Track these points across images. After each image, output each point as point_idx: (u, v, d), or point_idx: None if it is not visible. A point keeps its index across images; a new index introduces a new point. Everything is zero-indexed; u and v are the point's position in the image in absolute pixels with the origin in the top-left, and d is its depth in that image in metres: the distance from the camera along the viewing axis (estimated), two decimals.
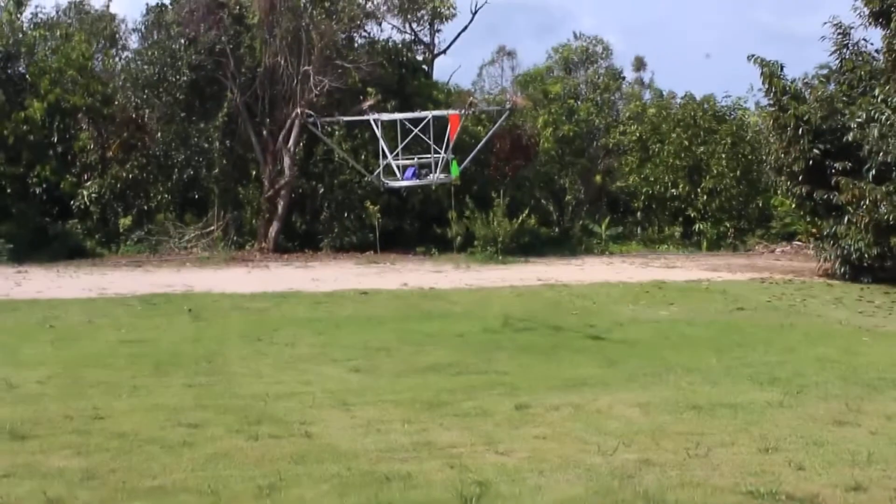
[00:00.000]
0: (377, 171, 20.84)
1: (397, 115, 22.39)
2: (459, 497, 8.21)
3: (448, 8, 44.09)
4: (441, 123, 21.52)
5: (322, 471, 8.98)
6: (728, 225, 44.12)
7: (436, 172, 19.55)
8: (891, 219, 27.24)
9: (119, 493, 8.35)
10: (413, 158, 20.06)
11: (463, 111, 20.06)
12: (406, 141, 20.10)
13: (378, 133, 20.03)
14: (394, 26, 44.22)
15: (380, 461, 9.36)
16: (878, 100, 28.48)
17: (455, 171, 20.03)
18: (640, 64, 57.15)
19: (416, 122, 21.05)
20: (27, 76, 39.17)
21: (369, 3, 40.84)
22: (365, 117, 21.51)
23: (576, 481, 8.84)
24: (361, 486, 8.56)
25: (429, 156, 19.80)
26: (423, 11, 44.09)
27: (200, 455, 9.49)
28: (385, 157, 19.80)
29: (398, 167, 19.73)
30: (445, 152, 19.24)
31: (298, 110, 18.01)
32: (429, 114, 20.44)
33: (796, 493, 8.48)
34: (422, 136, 20.16)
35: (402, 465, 9.21)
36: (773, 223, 45.44)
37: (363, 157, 38.25)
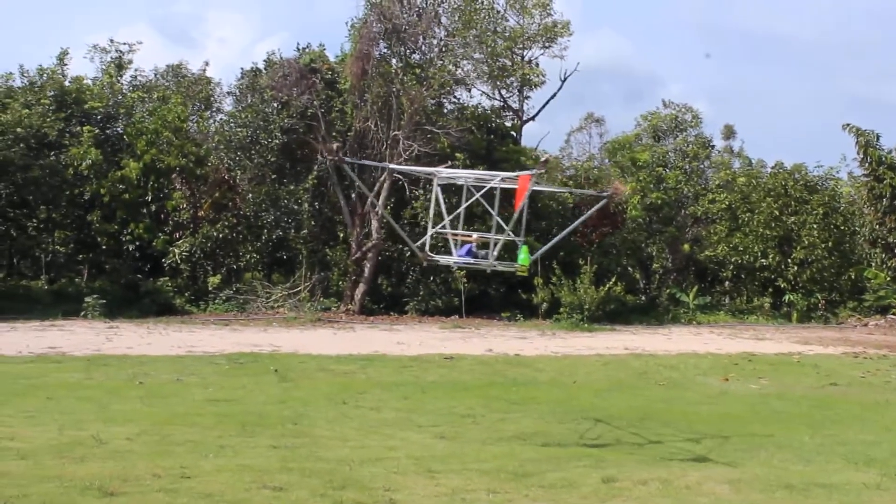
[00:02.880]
0: (422, 240, 15.61)
1: (460, 172, 17.00)
2: None
3: (537, 75, 44.41)
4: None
5: None
6: (819, 297, 43.30)
7: (492, 254, 14.95)
8: None
9: None
10: (471, 235, 15.73)
11: (536, 171, 14.15)
12: (464, 206, 15.52)
13: (437, 194, 15.39)
14: (483, 92, 44.63)
15: None
16: None
17: (525, 259, 15.22)
18: (729, 132, 56.93)
19: (484, 186, 16.21)
20: (125, 136, 40.17)
21: (459, 71, 41.25)
22: (424, 170, 17.38)
23: None
24: None
25: (490, 235, 15.35)
26: (512, 78, 44.40)
27: None
28: (436, 224, 15.59)
29: (455, 241, 15.39)
30: (513, 229, 14.68)
31: (334, 145, 14.53)
32: (497, 175, 15.69)
33: None
34: (485, 203, 16.14)
35: None
36: (867, 295, 44.44)
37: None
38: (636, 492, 11.19)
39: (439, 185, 15.49)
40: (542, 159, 14.29)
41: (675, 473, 12.14)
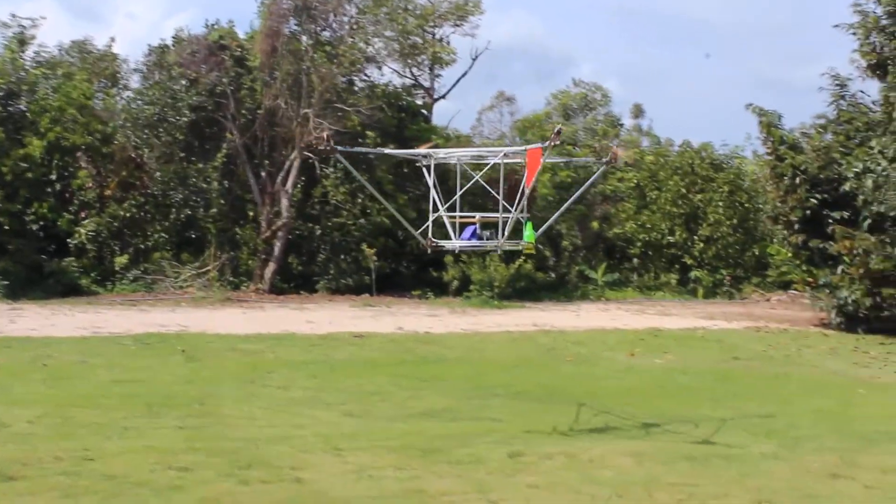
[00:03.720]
0: (424, 227, 14.45)
1: (456, 151, 15.94)
2: None
3: (448, 54, 44.38)
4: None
5: None
6: (724, 273, 44.13)
7: (503, 236, 13.99)
8: (884, 269, 27.23)
9: None
10: (475, 216, 14.81)
11: (550, 143, 12.85)
12: (464, 189, 14.67)
13: (430, 179, 14.30)
14: (394, 71, 44.46)
15: None
16: (875, 151, 28.61)
17: (531, 235, 14.42)
18: (638, 111, 57.52)
19: (480, 164, 15.87)
20: (28, 114, 39.18)
21: (370, 48, 41.04)
22: (418, 152, 15.42)
23: None
24: None
25: (495, 215, 14.36)
26: (423, 57, 44.35)
27: (189, 499, 9.43)
28: (436, 209, 14.23)
29: (453, 225, 14.36)
30: (517, 208, 13.92)
31: (324, 133, 12.91)
32: (500, 150, 15.03)
33: None
34: (486, 185, 15.43)
35: None
36: (770, 272, 45.43)
37: (360, 200, 38.37)
38: (542, 466, 11.37)
39: (428, 165, 14.50)
40: (556, 129, 12.68)
41: (580, 447, 12.35)
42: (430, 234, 14.08)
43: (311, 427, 13.41)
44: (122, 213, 38.31)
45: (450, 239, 14.46)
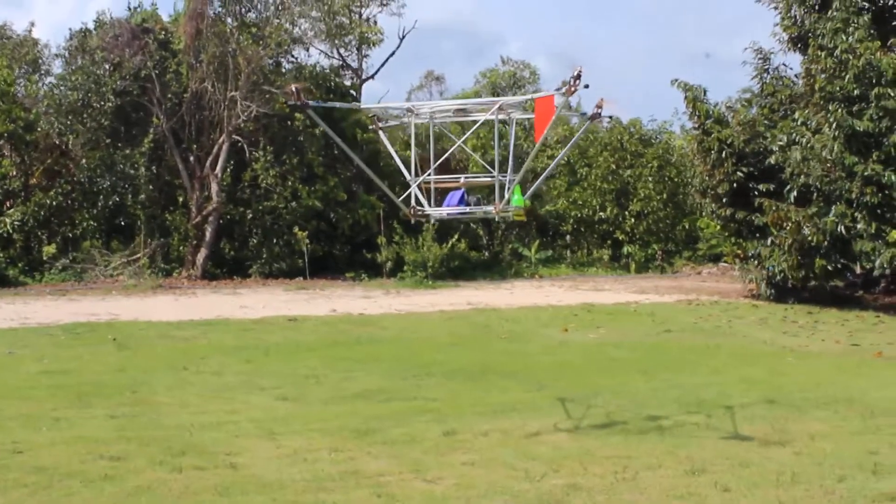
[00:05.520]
0: (407, 193, 12.33)
1: (443, 103, 13.89)
2: None
3: (375, 34, 44.11)
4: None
5: (247, 502, 8.87)
6: (656, 247, 44.66)
7: (499, 202, 11.87)
8: (814, 240, 27.70)
9: None
10: (460, 178, 13.12)
11: (569, 86, 10.21)
12: (449, 151, 13.31)
13: (412, 136, 12.75)
14: (321, 52, 44.14)
15: (306, 491, 9.27)
16: (799, 123, 29.02)
17: (520, 200, 12.52)
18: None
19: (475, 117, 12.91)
20: None
21: (296, 29, 40.81)
22: (400, 105, 13.17)
23: None
24: None
25: (486, 176, 12.69)
26: (350, 37, 44.07)
27: (122, 489, 9.30)
28: (418, 173, 12.29)
29: (424, 192, 12.35)
30: (514, 166, 12.28)
31: (293, 87, 10.82)
32: (496, 101, 12.34)
33: None
34: (466, 148, 14.29)
35: (328, 495, 9.13)
36: (700, 245, 46.10)
37: (290, 183, 38.13)
38: (477, 443, 11.40)
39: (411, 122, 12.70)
40: (576, 72, 10.20)
41: (516, 424, 12.41)
42: (413, 203, 12.21)
43: (245, 412, 13.31)
44: (48, 201, 37.67)
45: (426, 207, 12.37)
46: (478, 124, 13.50)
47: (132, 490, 9.27)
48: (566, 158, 46.51)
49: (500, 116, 12.25)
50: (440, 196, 12.73)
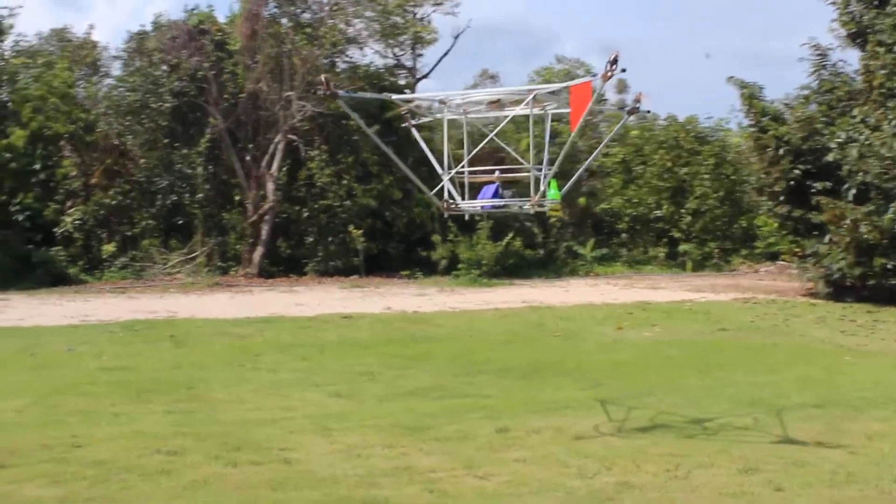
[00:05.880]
0: (440, 187, 11.86)
1: (475, 94, 12.74)
2: None
3: (429, 33, 44.22)
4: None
5: (300, 497, 8.97)
6: (712, 245, 44.29)
7: (535, 195, 11.47)
8: (871, 238, 27.35)
9: None
10: (494, 171, 12.46)
11: (606, 72, 9.94)
12: (482, 144, 12.27)
13: (444, 129, 11.99)
14: (376, 51, 44.33)
15: (358, 487, 9.35)
16: (857, 120, 28.67)
17: (556, 194, 12.01)
18: (622, 86, 57.37)
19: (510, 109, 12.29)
20: (9, 104, 39.10)
21: (351, 29, 41.02)
22: (431, 95, 12.87)
23: None
24: None
25: (523, 167, 12.18)
26: (404, 36, 44.20)
27: (178, 483, 9.45)
28: (450, 167, 11.88)
29: (458, 185, 11.90)
30: (549, 159, 11.68)
31: (322, 76, 10.32)
32: (533, 88, 11.76)
33: None
34: (499, 141, 12.63)
35: (380, 490, 9.20)
36: (758, 243, 45.63)
37: (345, 181, 38.35)
38: (529, 441, 11.42)
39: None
40: (613, 56, 9.81)
41: (568, 422, 12.39)
42: (445, 196, 11.83)
43: (300, 409, 13.44)
44: (107, 200, 38.28)
45: (460, 201, 11.98)
46: (507, 118, 12.82)
47: (188, 484, 9.41)
48: (621, 156, 46.36)
49: (536, 110, 11.80)
50: (476, 190, 12.33)
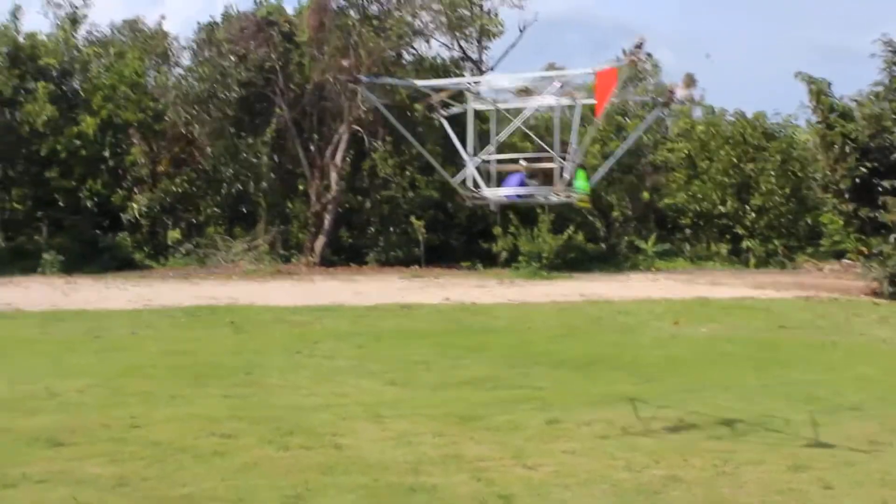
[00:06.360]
0: (461, 175, 11.57)
1: (501, 79, 13.32)
2: None
3: (496, 25, 44.15)
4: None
5: (349, 482, 9.10)
6: (777, 242, 43.76)
7: (562, 183, 11.11)
8: None
9: (149, 500, 8.56)
10: (519, 160, 12.05)
11: (630, 57, 10.20)
12: (510, 129, 11.85)
13: (469, 117, 11.54)
14: (442, 44, 44.36)
15: (407, 473, 9.47)
16: None
17: (584, 185, 11.65)
18: (690, 81, 56.91)
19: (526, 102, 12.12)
20: (81, 92, 39.84)
21: (417, 21, 41.12)
22: (457, 81, 12.89)
23: (600, 496, 8.90)
24: (386, 498, 8.70)
25: (547, 155, 11.52)
26: (470, 29, 44.20)
27: (231, 465, 9.66)
28: (477, 151, 11.54)
29: (484, 173, 11.56)
30: (573, 151, 11.19)
31: (344, 62, 9.94)
32: (560, 74, 11.97)
33: None
34: (526, 130, 12.63)
35: (428, 477, 9.30)
36: (823, 241, 44.96)
37: (408, 173, 38.50)
38: (579, 432, 11.47)
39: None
40: (637, 41, 9.81)
41: (620, 415, 12.41)
42: (468, 184, 11.54)
43: (353, 395, 13.62)
44: (174, 188, 38.93)
45: (483, 189, 11.57)
46: (530, 110, 12.49)
47: (240, 466, 9.61)
48: (686, 151, 45.98)
49: (565, 101, 11.61)
50: (501, 179, 11.93)
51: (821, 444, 10.98)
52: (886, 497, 8.97)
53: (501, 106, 11.99)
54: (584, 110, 11.24)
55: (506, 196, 12.01)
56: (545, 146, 11.61)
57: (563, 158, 11.11)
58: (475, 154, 11.48)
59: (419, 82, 13.76)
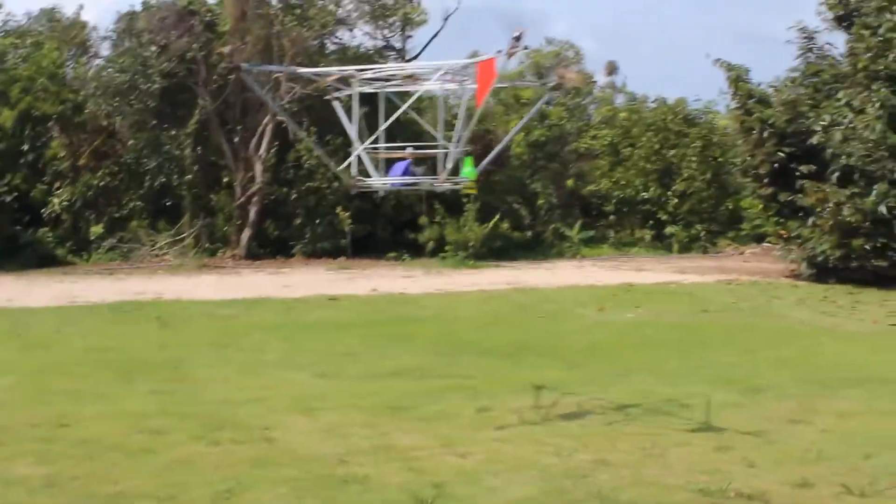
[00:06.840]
0: (346, 163, 11.90)
1: (388, 68, 13.15)
2: (415, 499, 8.39)
3: (419, 14, 44.23)
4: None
5: (280, 475, 9.14)
6: (699, 227, 44.39)
7: (443, 173, 11.54)
8: (854, 221, 27.57)
9: (79, 499, 8.50)
10: (406, 147, 12.26)
11: (508, 49, 10.17)
12: (393, 118, 11.95)
13: (354, 103, 11.67)
14: (365, 33, 44.30)
15: (338, 465, 9.53)
16: (842, 103, 28.83)
17: (471, 172, 11.83)
18: (612, 68, 57.41)
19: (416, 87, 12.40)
20: None
21: (340, 10, 41.00)
22: (338, 70, 12.30)
23: (530, 482, 9.03)
24: (318, 490, 8.73)
25: (434, 144, 11.99)
26: (393, 18, 44.21)
27: (161, 461, 9.63)
28: (364, 138, 11.73)
29: (372, 161, 11.77)
30: (460, 136, 11.40)
31: (227, 48, 9.92)
32: (440, 65, 11.77)
33: (745, 490, 8.72)
34: (415, 116, 13.66)
35: (360, 468, 9.36)
36: (744, 225, 45.73)
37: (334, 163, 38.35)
38: (508, 419, 11.61)
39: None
40: (515, 33, 9.99)
41: (547, 401, 12.57)
42: (353, 173, 11.73)
43: (283, 388, 13.63)
44: (95, 182, 38.32)
45: (371, 177, 11.82)
46: (417, 94, 13.00)
47: (171, 462, 9.60)
48: (609, 139, 46.42)
49: (451, 86, 12.18)
50: (387, 166, 12.34)
51: (744, 424, 11.26)
52: (806, 473, 9.23)
53: (388, 90, 12.09)
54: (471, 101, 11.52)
55: (392, 185, 12.47)
56: (433, 133, 12.03)
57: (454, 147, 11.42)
58: (362, 141, 11.69)
59: (301, 69, 14.05)
